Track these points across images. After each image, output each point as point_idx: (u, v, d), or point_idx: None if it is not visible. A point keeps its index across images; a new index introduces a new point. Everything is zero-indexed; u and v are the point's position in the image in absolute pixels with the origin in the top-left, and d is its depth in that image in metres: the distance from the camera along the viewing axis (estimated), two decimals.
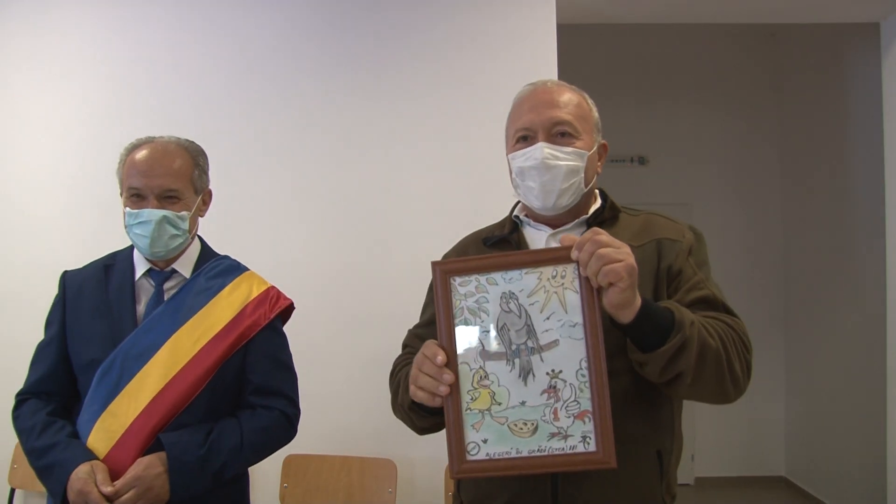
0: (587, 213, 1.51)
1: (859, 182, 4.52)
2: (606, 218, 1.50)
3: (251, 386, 1.76)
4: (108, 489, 1.52)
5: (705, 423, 5.42)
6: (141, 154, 1.71)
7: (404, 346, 1.64)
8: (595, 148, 1.49)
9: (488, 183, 2.75)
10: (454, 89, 3.02)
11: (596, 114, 1.53)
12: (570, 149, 1.42)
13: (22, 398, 1.75)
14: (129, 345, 1.66)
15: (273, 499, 2.79)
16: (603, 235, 1.19)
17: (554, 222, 1.49)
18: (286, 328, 1.89)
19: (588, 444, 1.21)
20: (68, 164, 2.98)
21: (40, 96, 3.08)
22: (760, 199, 5.58)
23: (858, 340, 4.42)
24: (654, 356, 1.23)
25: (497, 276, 1.26)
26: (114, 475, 1.57)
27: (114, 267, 1.79)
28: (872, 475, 3.99)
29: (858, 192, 4.54)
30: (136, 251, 1.78)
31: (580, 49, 4.40)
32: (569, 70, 3.26)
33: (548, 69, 2.99)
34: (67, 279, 1.80)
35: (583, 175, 1.43)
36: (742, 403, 5.51)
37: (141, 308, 1.73)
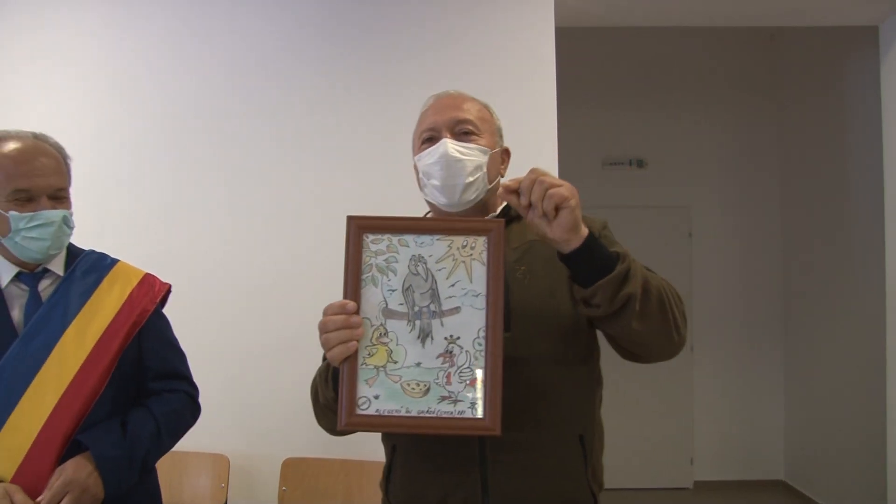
0: (495, 212, 1.55)
1: (859, 185, 4.53)
2: (513, 217, 1.53)
3: (151, 372, 1.74)
4: None
5: (704, 426, 5.44)
6: (17, 151, 1.60)
7: None
8: (498, 149, 1.55)
9: None
10: (450, 90, 3.01)
11: (499, 122, 1.59)
12: (472, 145, 1.47)
13: None
14: (15, 352, 1.57)
15: (272, 501, 2.79)
16: (540, 169, 1.23)
17: (456, 210, 1.51)
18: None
19: (475, 410, 1.25)
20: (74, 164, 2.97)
21: (43, 95, 3.09)
22: (759, 202, 5.59)
23: (858, 343, 4.42)
24: (603, 283, 1.24)
25: (409, 238, 1.29)
26: (30, 492, 1.49)
27: None
28: (872, 478, 3.98)
29: (858, 195, 4.55)
30: None
31: (579, 52, 4.40)
32: (567, 73, 3.26)
33: (546, 72, 2.99)
34: None
35: (486, 171, 1.48)
36: (741, 406, 5.52)
37: (17, 315, 1.62)
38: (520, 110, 2.92)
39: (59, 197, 1.63)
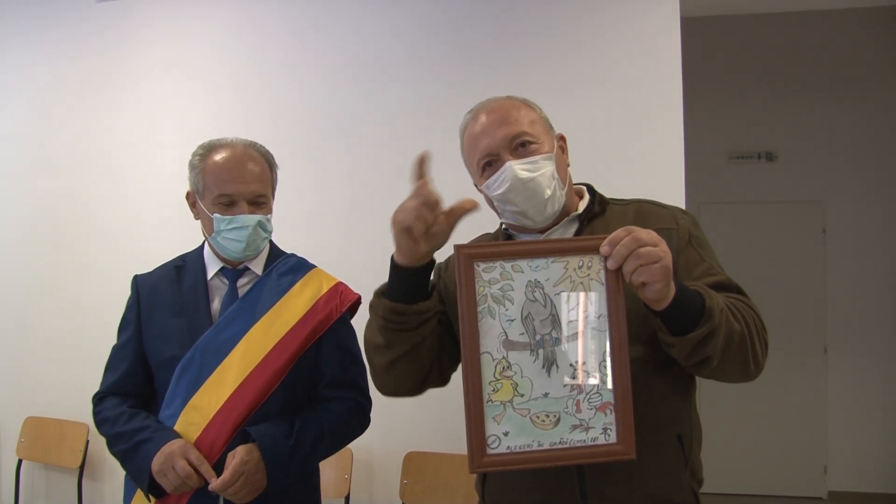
0: (577, 210, 1.51)
1: None
2: (597, 212, 1.50)
3: (325, 378, 1.79)
4: (214, 482, 1.56)
5: (839, 433, 5.18)
6: (225, 159, 1.72)
7: None
8: (556, 146, 1.50)
9: (611, 178, 2.69)
10: (575, 87, 2.95)
11: (542, 112, 1.53)
12: (536, 157, 1.43)
13: (101, 397, 1.79)
14: (207, 340, 1.69)
15: (393, 494, 2.84)
16: (642, 233, 1.18)
17: (543, 226, 1.49)
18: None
19: (609, 435, 1.21)
20: None
21: (174, 103, 3.32)
22: None
23: None
24: (682, 341, 1.24)
25: (523, 263, 1.23)
26: None
27: (185, 268, 1.82)
28: None
29: None
30: (206, 252, 1.82)
31: (705, 43, 4.27)
32: (693, 65, 3.15)
33: (672, 65, 2.90)
34: (139, 282, 1.84)
35: (557, 177, 1.44)
36: (881, 413, 5.17)
37: (216, 305, 1.76)
38: (645, 104, 2.86)
39: (259, 203, 1.73)
